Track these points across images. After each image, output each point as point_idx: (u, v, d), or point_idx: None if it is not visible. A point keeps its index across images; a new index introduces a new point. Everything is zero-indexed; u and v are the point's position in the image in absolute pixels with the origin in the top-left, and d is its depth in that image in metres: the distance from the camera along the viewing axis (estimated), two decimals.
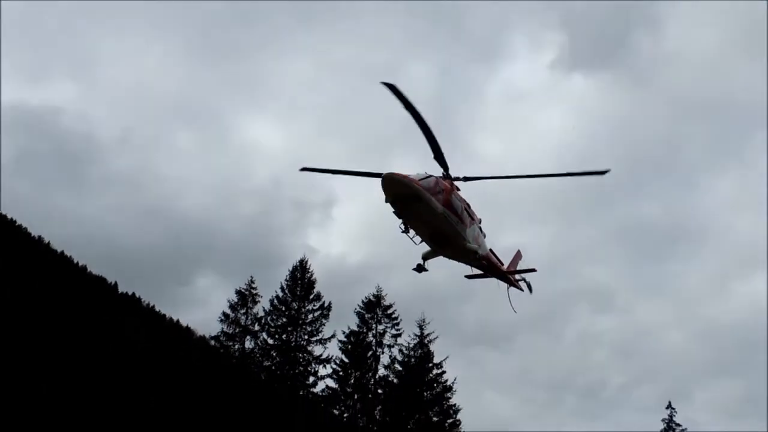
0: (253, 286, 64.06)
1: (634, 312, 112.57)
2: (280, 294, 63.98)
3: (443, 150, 24.46)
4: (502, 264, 31.50)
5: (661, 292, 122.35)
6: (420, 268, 27.23)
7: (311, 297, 64.28)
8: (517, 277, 32.50)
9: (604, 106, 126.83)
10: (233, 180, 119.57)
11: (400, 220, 24.53)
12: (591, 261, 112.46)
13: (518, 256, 33.07)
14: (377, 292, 66.49)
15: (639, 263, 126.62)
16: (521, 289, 32.49)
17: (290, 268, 65.61)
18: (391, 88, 22.50)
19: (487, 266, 30.04)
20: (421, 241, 25.90)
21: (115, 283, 56.05)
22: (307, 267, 65.81)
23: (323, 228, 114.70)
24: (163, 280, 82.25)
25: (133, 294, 56.65)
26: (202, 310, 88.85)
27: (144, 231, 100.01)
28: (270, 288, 66.01)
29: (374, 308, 65.87)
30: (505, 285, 32.17)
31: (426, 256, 27.08)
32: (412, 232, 25.15)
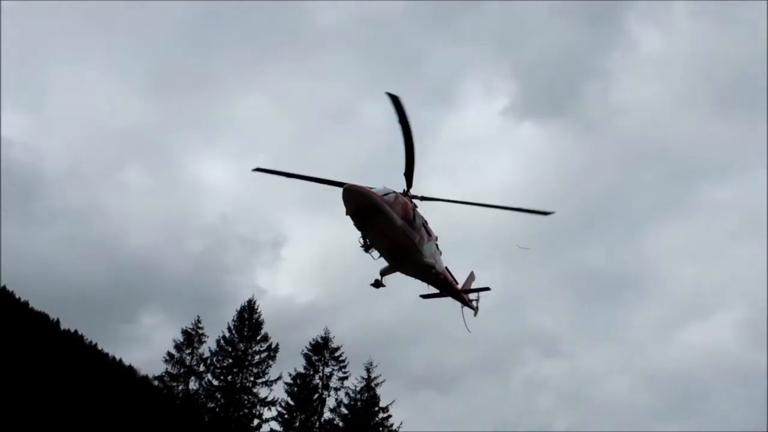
0: (200, 325, 63.41)
1: (579, 357, 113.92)
2: (227, 334, 63.40)
3: (414, 169, 25.34)
4: (457, 283, 32.03)
5: (606, 337, 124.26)
6: (378, 284, 27.41)
7: (258, 338, 63.82)
8: (472, 296, 33.18)
9: (553, 154, 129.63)
10: (182, 216, 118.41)
11: (360, 236, 25.16)
12: (538, 305, 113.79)
13: (472, 276, 33.84)
14: (325, 334, 66.46)
15: (585, 309, 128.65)
16: (473, 309, 33.06)
17: (238, 308, 65.22)
18: (394, 100, 23.65)
19: (443, 283, 30.39)
20: (379, 257, 26.29)
21: (57, 320, 54.82)
22: (255, 307, 65.46)
23: (272, 267, 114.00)
24: (108, 317, 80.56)
25: (76, 331, 55.44)
26: (146, 349, 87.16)
27: (89, 267, 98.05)
28: (217, 328, 65.33)
29: (322, 350, 65.67)
30: (459, 304, 32.64)
31: (384, 272, 27.26)
32: (372, 250, 25.66)
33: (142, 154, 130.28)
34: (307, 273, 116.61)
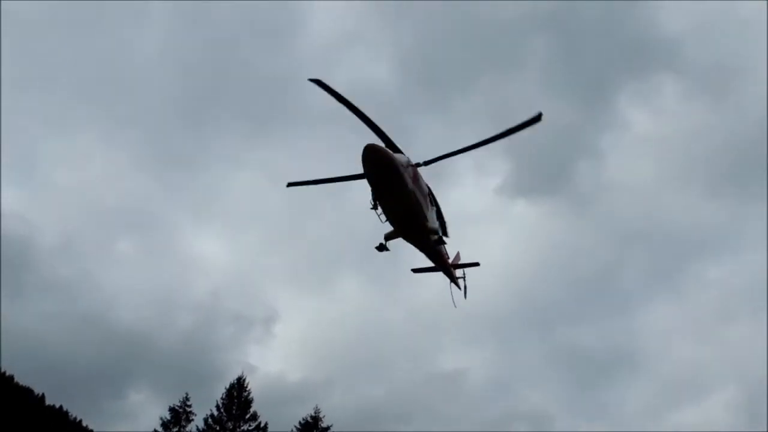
0: (188, 403, 62.28)
1: None
2: (215, 412, 62.22)
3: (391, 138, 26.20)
4: (449, 257, 33.86)
5: (599, 417, 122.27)
6: (382, 247, 28.60)
7: (247, 416, 62.63)
8: (458, 273, 35.16)
9: (546, 232, 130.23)
10: (173, 291, 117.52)
11: (371, 196, 26.39)
12: (530, 384, 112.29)
13: (458, 256, 35.72)
14: (315, 413, 65.19)
15: (577, 388, 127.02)
16: (460, 288, 35.10)
17: (227, 386, 64.18)
18: (320, 84, 24.54)
19: (437, 255, 31.95)
20: (386, 220, 27.42)
21: (42, 394, 53.83)
22: (245, 385, 64.41)
23: (263, 344, 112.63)
24: (95, 392, 79.09)
25: (61, 407, 54.37)
26: (133, 426, 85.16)
27: (78, 341, 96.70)
28: (205, 405, 64.11)
29: (311, 429, 64.34)
30: (448, 282, 34.71)
31: (388, 236, 28.47)
32: (379, 211, 26.88)
33: (135, 228, 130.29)
34: (298, 349, 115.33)
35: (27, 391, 53.13)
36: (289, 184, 29.29)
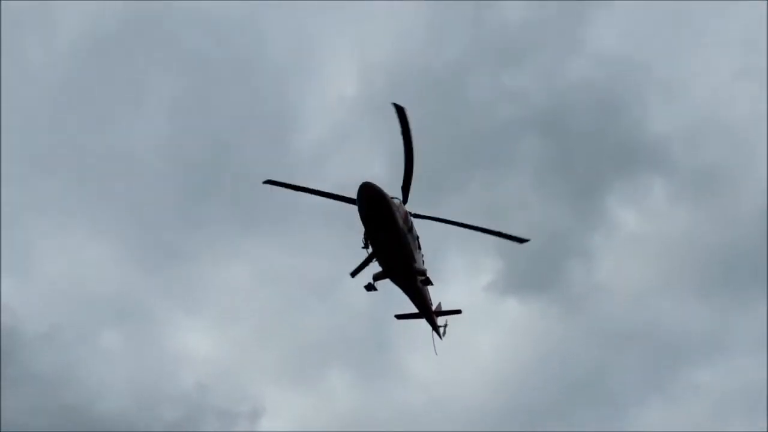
0: None
1: None
2: None
3: (412, 185, 27.37)
4: (432, 304, 35.74)
5: None
6: (370, 287, 30.01)
7: None
8: (440, 322, 37.45)
9: (536, 332, 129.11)
10: (157, 384, 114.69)
11: (363, 237, 27.85)
12: None
13: (439, 305, 37.62)
14: None
15: None
16: (441, 337, 37.48)
17: None
18: (399, 110, 25.09)
19: (422, 300, 33.73)
20: (374, 258, 28.87)
21: None
22: None
23: None
24: None
25: None
26: None
27: None
28: None
29: None
30: (430, 330, 37.21)
31: (376, 277, 29.76)
32: (368, 246, 28.23)
33: (121, 319, 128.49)
34: None
35: None
36: (267, 182, 29.03)
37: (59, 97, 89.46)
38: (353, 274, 30.26)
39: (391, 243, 27.74)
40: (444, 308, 37.59)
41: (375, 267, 29.71)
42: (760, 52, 79.32)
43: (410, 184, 26.92)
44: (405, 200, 27.55)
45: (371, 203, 26.01)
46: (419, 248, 30.06)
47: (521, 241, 31.19)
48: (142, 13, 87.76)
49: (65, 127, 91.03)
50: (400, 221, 27.14)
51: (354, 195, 26.25)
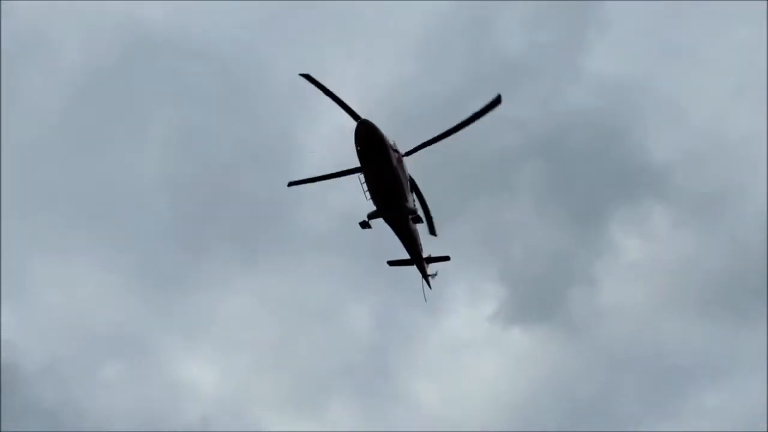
0: None
1: None
2: None
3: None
4: (422, 250, 37.95)
5: None
6: (364, 224, 32.50)
7: None
8: (430, 271, 40.09)
9: (541, 359, 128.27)
10: (160, 416, 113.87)
11: (361, 181, 30.37)
12: None
13: (429, 256, 39.63)
14: None
15: None
16: (431, 288, 40.35)
17: None
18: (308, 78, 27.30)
19: (414, 244, 36.13)
20: (369, 198, 30.83)
21: None
22: None
23: None
24: None
25: None
26: None
27: None
28: None
29: None
30: (420, 278, 39.92)
31: (371, 216, 32.01)
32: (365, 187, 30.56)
33: (123, 352, 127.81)
34: None
35: None
36: (290, 184, 33.53)
37: (59, 128, 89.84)
38: (292, 183, 34.25)
39: (384, 179, 29.80)
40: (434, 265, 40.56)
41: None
42: (759, 73, 79.71)
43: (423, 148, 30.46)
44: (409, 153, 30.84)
45: (367, 140, 28.15)
46: (411, 191, 32.36)
47: (496, 102, 30.45)
48: (142, 43, 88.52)
49: (65, 158, 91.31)
50: (394, 160, 29.37)
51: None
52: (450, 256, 39.49)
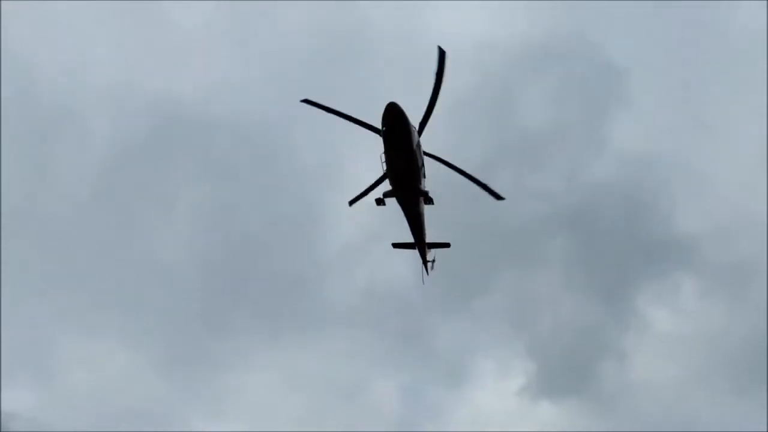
0: None
1: None
2: None
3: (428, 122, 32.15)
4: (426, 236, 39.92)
5: None
6: (379, 201, 35.01)
7: None
8: (430, 257, 42.04)
9: None
10: None
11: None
12: None
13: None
14: None
15: None
16: (428, 272, 42.29)
17: None
18: (441, 53, 30.07)
19: (420, 227, 37.81)
20: (386, 176, 33.37)
21: None
22: None
23: None
24: None
25: None
26: None
27: None
28: None
29: None
30: (420, 262, 41.93)
31: (386, 194, 34.45)
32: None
33: (148, 430, 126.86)
34: None
35: None
36: (304, 101, 33.44)
37: (88, 205, 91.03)
38: (351, 202, 36.74)
39: (403, 159, 31.80)
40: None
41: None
42: None
43: (428, 120, 31.57)
44: (420, 132, 32.00)
45: (393, 120, 30.25)
46: (425, 177, 34.15)
47: (498, 197, 35.59)
48: (170, 120, 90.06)
49: (93, 235, 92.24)
50: (414, 143, 31.39)
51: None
52: (450, 243, 41.68)
